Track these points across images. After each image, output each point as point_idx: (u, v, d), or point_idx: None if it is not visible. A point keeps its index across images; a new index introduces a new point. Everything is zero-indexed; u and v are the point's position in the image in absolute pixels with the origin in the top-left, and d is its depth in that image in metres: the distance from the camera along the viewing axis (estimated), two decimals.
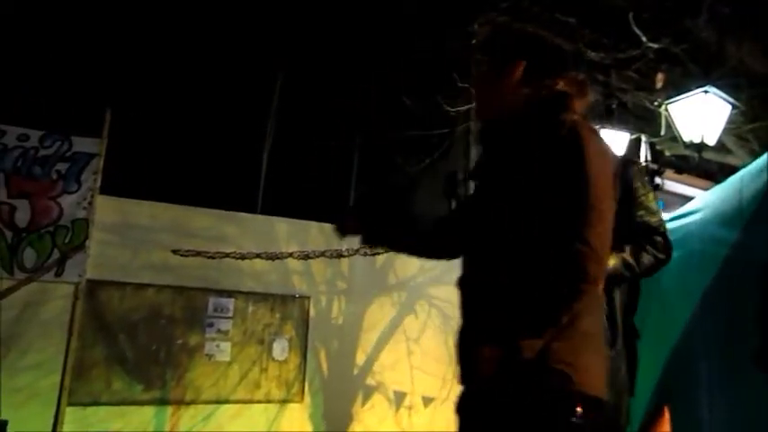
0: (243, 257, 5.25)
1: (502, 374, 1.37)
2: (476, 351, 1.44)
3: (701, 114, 5.04)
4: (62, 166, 4.87)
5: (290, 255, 5.35)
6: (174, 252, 5.10)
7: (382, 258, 6.32)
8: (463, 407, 1.52)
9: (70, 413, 4.59)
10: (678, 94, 5.18)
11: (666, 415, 1.37)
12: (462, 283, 1.70)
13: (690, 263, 2.82)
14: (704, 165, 5.73)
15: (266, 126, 8.02)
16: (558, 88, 1.52)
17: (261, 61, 7.76)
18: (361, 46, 7.25)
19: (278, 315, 5.94)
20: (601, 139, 1.48)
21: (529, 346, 1.34)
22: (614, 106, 5.85)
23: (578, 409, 1.34)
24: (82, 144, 4.92)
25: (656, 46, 5.18)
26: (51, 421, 4.55)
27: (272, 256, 5.31)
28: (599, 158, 1.41)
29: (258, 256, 5.27)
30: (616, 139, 5.40)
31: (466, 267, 1.75)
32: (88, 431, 5.00)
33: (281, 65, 7.96)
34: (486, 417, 1.44)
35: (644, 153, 5.76)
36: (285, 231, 6.11)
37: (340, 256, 5.37)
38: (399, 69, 6.91)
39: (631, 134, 5.61)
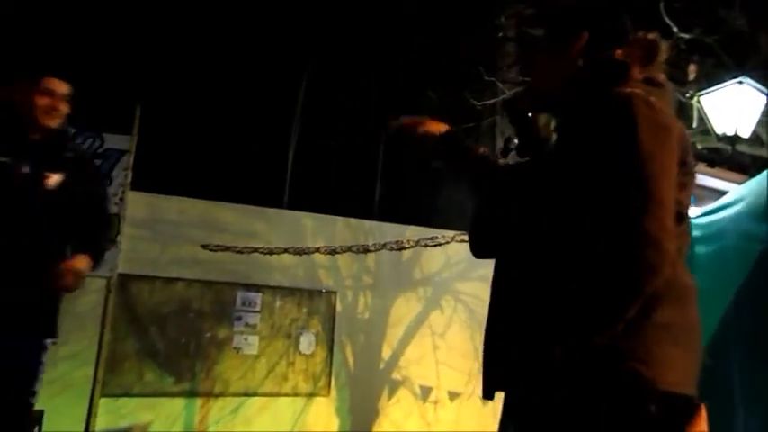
0: (271, 252, 5.30)
1: (562, 374, 1.28)
2: (537, 349, 1.33)
3: (734, 106, 4.91)
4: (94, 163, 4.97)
5: (317, 250, 5.38)
6: (204, 247, 5.18)
7: (408, 253, 6.32)
8: (520, 411, 1.45)
9: (103, 404, 4.70)
10: (710, 86, 5.04)
11: (703, 413, 1.31)
12: (510, 279, 1.58)
13: (724, 258, 2.76)
14: (737, 158, 5.58)
15: (292, 122, 8.06)
16: (617, 57, 1.41)
17: (287, 57, 7.80)
18: (385, 40, 7.23)
19: (305, 309, 5.98)
20: (660, 112, 1.32)
21: (592, 343, 1.26)
22: None
23: (651, 407, 1.26)
24: (113, 141, 5.01)
25: (687, 36, 5.06)
26: (85, 412, 4.66)
27: (299, 251, 5.35)
28: (657, 134, 1.28)
29: (286, 251, 5.32)
30: None
31: (512, 262, 1.64)
32: (120, 422, 5.11)
33: (307, 60, 7.99)
34: (552, 419, 1.35)
35: None
36: (311, 226, 6.15)
37: (366, 251, 5.39)
38: (424, 63, 6.88)
39: None
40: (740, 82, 4.82)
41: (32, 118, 2.27)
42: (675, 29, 5.05)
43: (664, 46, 1.48)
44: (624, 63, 1.39)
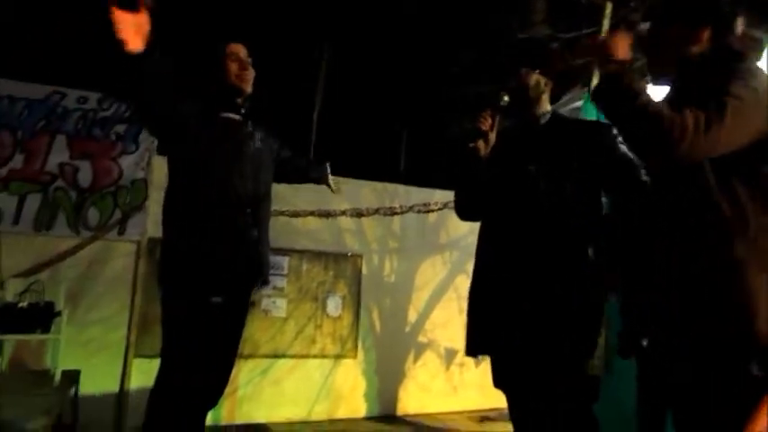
0: (296, 215, 5.28)
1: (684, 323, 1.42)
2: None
3: None
4: (120, 128, 4.99)
5: (343, 213, 5.35)
6: None
7: (434, 217, 6.27)
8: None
9: (137, 365, 4.82)
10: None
11: None
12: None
13: None
14: None
15: (317, 84, 7.97)
16: (735, 47, 1.61)
17: (310, 22, 7.66)
18: (411, 6, 7.03)
19: (331, 273, 6.01)
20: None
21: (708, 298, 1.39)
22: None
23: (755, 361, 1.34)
24: None
25: None
26: (120, 372, 4.79)
27: (325, 214, 5.33)
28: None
29: (311, 214, 5.30)
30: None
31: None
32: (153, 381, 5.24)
33: (331, 25, 7.84)
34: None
35: None
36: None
37: (393, 213, 5.34)
38: (453, 22, 6.69)
39: None
40: None
41: (230, 84, 2.42)
42: None
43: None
44: (741, 51, 1.59)
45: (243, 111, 2.48)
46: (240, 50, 2.44)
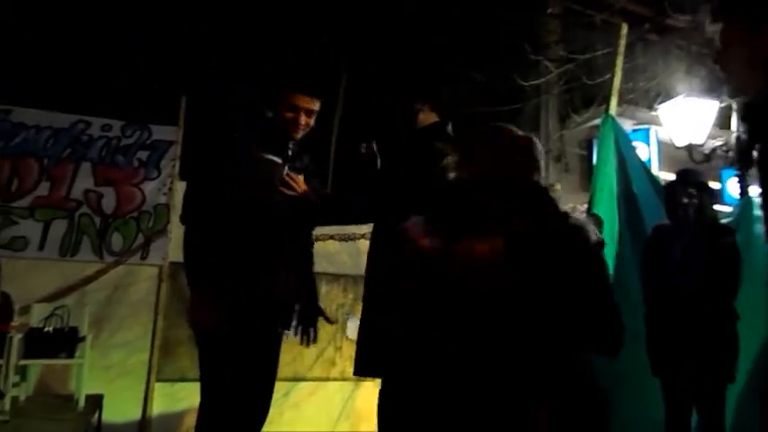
0: (316, 239, 5.29)
1: None
2: None
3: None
4: (143, 154, 5.09)
5: (363, 236, 5.36)
6: None
7: None
8: None
9: (159, 388, 4.84)
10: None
11: None
12: None
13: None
14: None
15: (335, 108, 8.05)
16: None
17: (326, 39, 7.77)
18: (428, 20, 7.10)
19: (351, 295, 6.00)
20: None
21: None
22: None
23: None
24: (160, 132, 5.12)
25: None
26: (142, 396, 4.82)
27: (344, 238, 5.35)
28: None
29: (331, 237, 5.32)
30: (704, 108, 5.08)
31: None
32: (177, 405, 5.25)
33: (347, 44, 7.95)
34: None
35: (735, 122, 5.37)
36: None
37: None
38: (468, 41, 6.74)
39: (720, 102, 5.25)
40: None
41: (282, 130, 2.59)
42: None
43: None
44: None
45: (289, 154, 2.60)
46: (301, 102, 2.58)
